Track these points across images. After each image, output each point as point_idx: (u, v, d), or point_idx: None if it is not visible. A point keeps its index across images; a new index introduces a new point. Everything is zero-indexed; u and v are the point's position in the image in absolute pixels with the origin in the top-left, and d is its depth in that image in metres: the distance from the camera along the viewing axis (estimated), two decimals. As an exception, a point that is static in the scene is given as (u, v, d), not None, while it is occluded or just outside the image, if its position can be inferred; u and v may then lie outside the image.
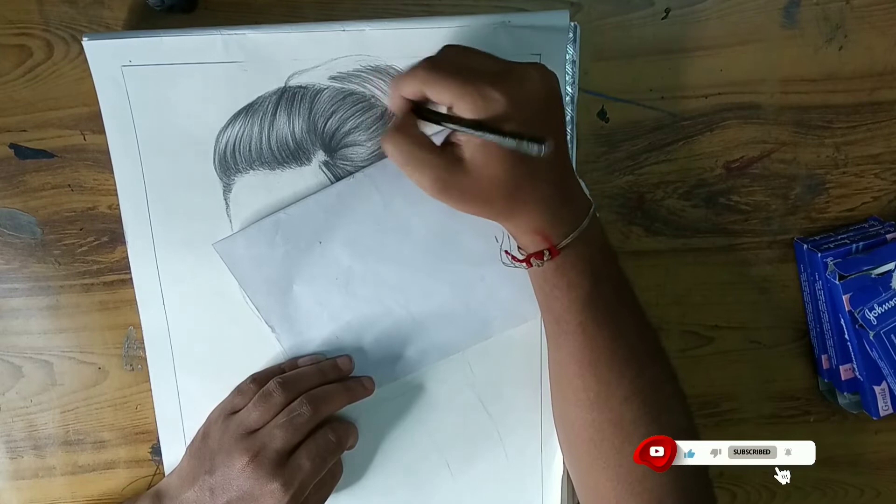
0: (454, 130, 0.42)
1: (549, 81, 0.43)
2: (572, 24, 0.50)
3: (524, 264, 0.46)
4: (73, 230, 0.55)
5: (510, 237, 0.48)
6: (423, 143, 0.43)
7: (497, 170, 0.42)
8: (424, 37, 0.49)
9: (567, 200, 0.45)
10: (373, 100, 0.50)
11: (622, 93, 0.53)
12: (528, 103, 0.41)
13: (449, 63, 0.42)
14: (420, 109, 0.44)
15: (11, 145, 0.54)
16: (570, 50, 0.50)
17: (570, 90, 0.51)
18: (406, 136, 0.43)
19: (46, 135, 0.53)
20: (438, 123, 0.43)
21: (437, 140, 0.44)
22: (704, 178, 0.55)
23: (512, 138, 0.40)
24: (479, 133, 0.41)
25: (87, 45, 0.49)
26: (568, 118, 0.51)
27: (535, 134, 0.39)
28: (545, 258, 0.45)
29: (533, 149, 0.39)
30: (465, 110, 0.41)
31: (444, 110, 0.43)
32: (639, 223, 0.55)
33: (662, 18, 0.53)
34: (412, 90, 0.43)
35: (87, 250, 0.55)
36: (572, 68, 0.50)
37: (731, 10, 0.52)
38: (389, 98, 0.45)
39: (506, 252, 0.49)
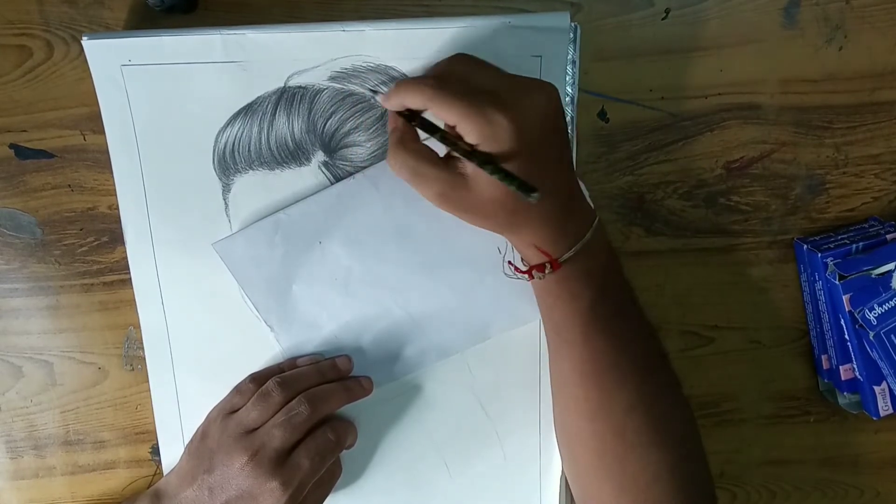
0: (450, 150, 0.42)
1: (555, 103, 0.43)
2: (573, 24, 0.50)
3: (526, 276, 0.46)
4: (73, 230, 0.55)
5: (513, 248, 0.48)
6: (426, 157, 0.43)
7: (499, 189, 0.41)
8: (424, 37, 0.49)
9: (570, 214, 0.44)
10: (372, 100, 0.50)
11: (622, 93, 0.53)
12: (532, 129, 0.41)
13: (456, 80, 0.42)
14: (422, 119, 0.44)
15: (12, 145, 0.54)
16: (571, 51, 0.50)
17: (570, 91, 0.51)
18: (409, 152, 0.42)
19: (46, 135, 0.53)
20: (438, 139, 0.43)
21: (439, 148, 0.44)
22: (704, 178, 0.55)
23: (502, 176, 0.40)
24: (475, 162, 0.41)
25: (87, 44, 0.49)
26: (568, 118, 0.51)
27: (529, 181, 0.39)
28: (546, 271, 0.44)
29: (522, 196, 0.39)
30: (468, 132, 0.40)
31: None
32: (639, 223, 0.55)
33: (662, 19, 0.53)
34: (417, 103, 0.42)
35: (87, 250, 0.55)
36: (572, 69, 0.50)
37: (731, 10, 0.52)
38: (389, 100, 0.44)
39: (509, 263, 0.49)
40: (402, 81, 0.43)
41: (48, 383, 0.57)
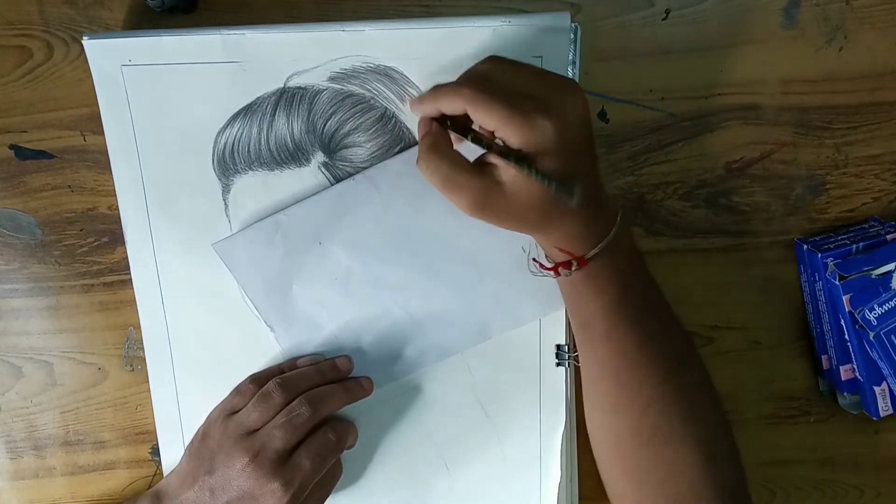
0: (488, 153, 0.42)
1: (586, 101, 0.42)
2: (573, 25, 0.49)
3: (552, 273, 0.46)
4: (73, 231, 0.55)
5: (538, 246, 0.48)
6: (460, 164, 0.42)
7: (535, 191, 0.41)
8: (424, 38, 0.49)
9: (597, 211, 0.44)
10: (372, 101, 0.50)
11: (622, 93, 0.53)
12: (572, 131, 0.41)
13: (496, 85, 0.41)
14: (454, 123, 0.43)
15: (12, 146, 0.54)
16: (571, 51, 0.50)
17: None
18: (443, 158, 0.42)
19: (46, 135, 0.53)
20: (471, 141, 0.42)
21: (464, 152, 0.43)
22: (705, 178, 0.55)
23: (546, 179, 0.39)
24: (513, 164, 0.40)
25: (88, 44, 0.49)
26: None
27: (569, 180, 0.39)
28: (573, 268, 0.44)
29: (563, 196, 0.39)
30: (511, 136, 0.40)
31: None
32: (639, 224, 0.55)
33: (663, 19, 0.53)
34: (456, 108, 0.41)
35: (87, 251, 0.55)
36: (572, 69, 0.50)
37: (731, 10, 0.52)
38: (422, 105, 0.43)
39: (534, 260, 0.49)
40: (438, 87, 0.42)
41: (48, 384, 0.57)
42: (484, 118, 0.40)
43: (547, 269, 0.46)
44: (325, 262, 0.52)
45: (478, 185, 0.42)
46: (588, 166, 0.43)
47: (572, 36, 0.50)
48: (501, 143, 0.41)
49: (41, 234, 0.55)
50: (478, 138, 0.42)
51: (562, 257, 0.45)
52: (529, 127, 0.39)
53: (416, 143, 0.50)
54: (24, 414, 0.58)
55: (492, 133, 0.41)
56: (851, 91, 0.54)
